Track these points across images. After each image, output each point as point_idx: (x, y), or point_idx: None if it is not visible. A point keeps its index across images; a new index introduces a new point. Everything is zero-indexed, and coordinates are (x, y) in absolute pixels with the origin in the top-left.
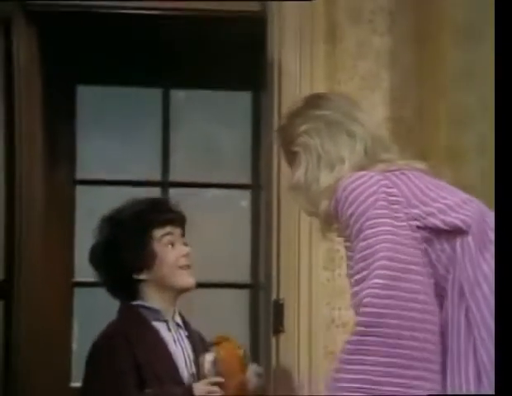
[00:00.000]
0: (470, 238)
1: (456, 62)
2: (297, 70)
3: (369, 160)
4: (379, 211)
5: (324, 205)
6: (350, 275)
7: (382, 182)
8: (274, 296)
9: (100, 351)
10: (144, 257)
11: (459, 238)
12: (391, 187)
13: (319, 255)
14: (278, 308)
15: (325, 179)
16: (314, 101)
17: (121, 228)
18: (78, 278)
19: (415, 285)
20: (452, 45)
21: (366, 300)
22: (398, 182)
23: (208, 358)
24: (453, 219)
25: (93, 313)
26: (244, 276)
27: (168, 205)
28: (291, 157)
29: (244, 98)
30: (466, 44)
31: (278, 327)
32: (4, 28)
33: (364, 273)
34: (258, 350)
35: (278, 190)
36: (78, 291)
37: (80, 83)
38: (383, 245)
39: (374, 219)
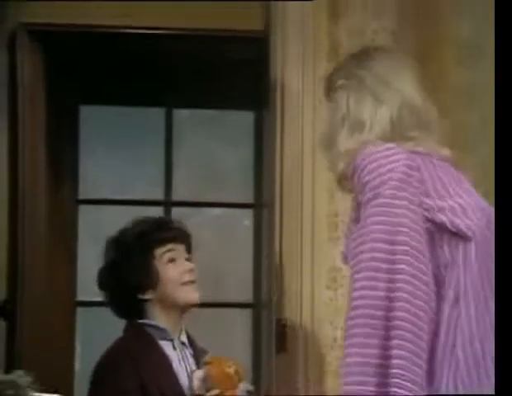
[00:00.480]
0: (473, 246)
1: (458, 81)
2: (300, 89)
3: (395, 132)
4: (392, 191)
5: (340, 167)
6: (347, 236)
7: (405, 162)
8: (277, 315)
9: (105, 368)
10: (147, 277)
11: (462, 242)
12: (413, 169)
13: (321, 274)
14: (281, 327)
15: (343, 142)
16: (359, 57)
17: (124, 249)
18: (81, 297)
19: (416, 271)
20: (454, 64)
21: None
22: (422, 167)
23: (198, 375)
24: (461, 222)
25: (96, 332)
26: (246, 296)
27: (169, 224)
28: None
29: (246, 117)
30: (469, 62)
31: (281, 347)
32: (8, 47)
33: (361, 248)
34: (260, 369)
35: (281, 209)
36: (80, 311)
37: (83, 103)
38: (380, 227)
39: (385, 198)
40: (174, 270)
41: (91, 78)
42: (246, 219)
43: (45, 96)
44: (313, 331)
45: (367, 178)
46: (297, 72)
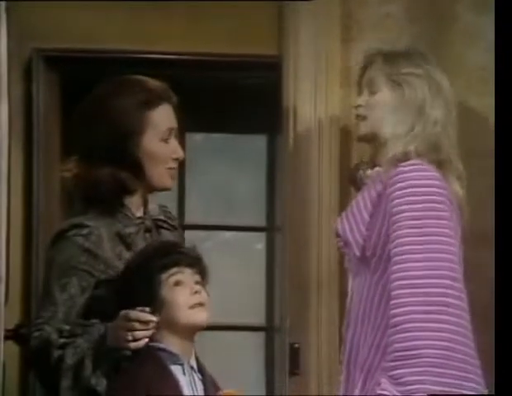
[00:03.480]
0: None
1: (470, 106)
2: (312, 113)
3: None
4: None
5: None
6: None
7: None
8: (289, 339)
9: (118, 393)
10: (152, 301)
11: None
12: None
13: (334, 296)
14: (294, 350)
15: (417, 128)
16: (418, 54)
17: (128, 277)
18: None
19: None
20: (466, 90)
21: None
22: None
23: None
24: None
25: None
26: (259, 319)
27: (171, 248)
28: (371, 83)
29: (259, 141)
30: (481, 88)
31: (294, 370)
32: (23, 74)
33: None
34: (273, 392)
35: (294, 232)
36: None
37: None
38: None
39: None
40: (181, 293)
41: None
42: (259, 242)
43: (61, 123)
44: (326, 354)
45: (413, 208)
46: (310, 96)
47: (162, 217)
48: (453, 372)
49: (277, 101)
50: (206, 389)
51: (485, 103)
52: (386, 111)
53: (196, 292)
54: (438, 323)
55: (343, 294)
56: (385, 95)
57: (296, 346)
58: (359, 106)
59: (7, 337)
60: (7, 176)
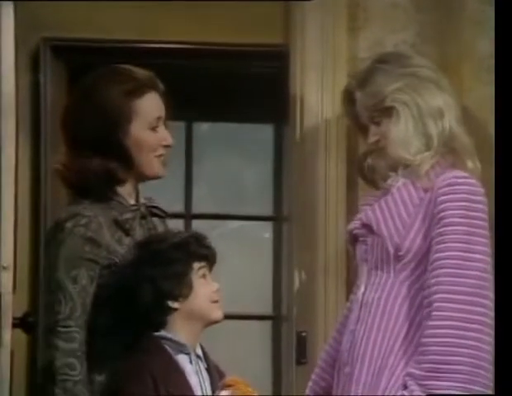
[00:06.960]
0: None
1: (477, 95)
2: (319, 103)
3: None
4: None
5: (424, 168)
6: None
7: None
8: (296, 328)
9: (127, 382)
10: (182, 284)
11: None
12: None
13: (341, 285)
14: (301, 339)
15: (432, 130)
16: (396, 60)
17: (162, 255)
18: None
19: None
20: (473, 79)
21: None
22: None
23: (224, 393)
24: None
25: None
26: (266, 308)
27: (206, 240)
28: (376, 115)
29: (266, 131)
30: (488, 77)
31: (301, 359)
32: (31, 63)
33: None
34: (280, 381)
35: (301, 221)
36: None
37: None
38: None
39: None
40: (207, 286)
41: None
42: (266, 231)
43: None
44: None
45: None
46: (317, 85)
47: (154, 204)
48: (480, 389)
49: (284, 90)
50: (211, 377)
51: (492, 92)
52: (397, 136)
53: (217, 290)
54: (475, 342)
55: (350, 283)
56: (388, 124)
57: (303, 334)
58: (378, 140)
59: (14, 325)
60: (14, 164)
